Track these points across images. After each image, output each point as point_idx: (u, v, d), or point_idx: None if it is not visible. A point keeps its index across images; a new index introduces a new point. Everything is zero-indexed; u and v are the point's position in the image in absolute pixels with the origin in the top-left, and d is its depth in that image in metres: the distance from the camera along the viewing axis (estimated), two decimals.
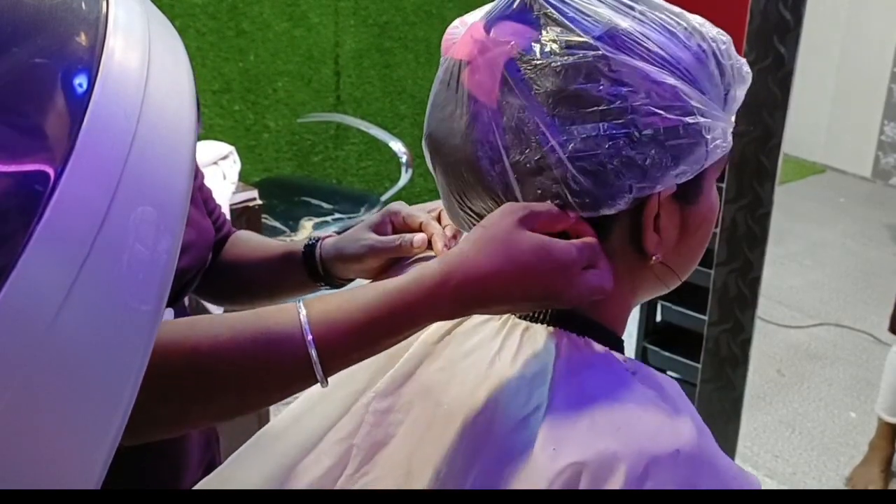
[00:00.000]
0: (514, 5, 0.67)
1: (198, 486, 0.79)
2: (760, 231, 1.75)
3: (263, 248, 1.07)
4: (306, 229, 2.76)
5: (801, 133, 4.62)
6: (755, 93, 1.65)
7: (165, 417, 0.65)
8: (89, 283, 0.36)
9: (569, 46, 0.63)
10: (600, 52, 0.63)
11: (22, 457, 0.35)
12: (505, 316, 0.71)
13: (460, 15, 0.76)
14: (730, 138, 0.68)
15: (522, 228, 0.64)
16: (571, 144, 0.63)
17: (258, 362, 0.63)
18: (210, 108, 3.34)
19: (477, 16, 0.69)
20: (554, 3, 0.65)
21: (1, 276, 0.34)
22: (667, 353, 2.72)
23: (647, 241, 0.68)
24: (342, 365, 0.64)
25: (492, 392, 0.67)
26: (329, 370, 0.63)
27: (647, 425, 0.63)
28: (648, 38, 0.64)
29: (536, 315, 0.70)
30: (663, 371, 2.75)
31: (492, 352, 0.69)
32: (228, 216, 1.84)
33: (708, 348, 1.88)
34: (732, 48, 0.69)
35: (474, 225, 0.67)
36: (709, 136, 0.65)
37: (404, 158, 3.10)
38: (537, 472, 0.61)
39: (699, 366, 1.90)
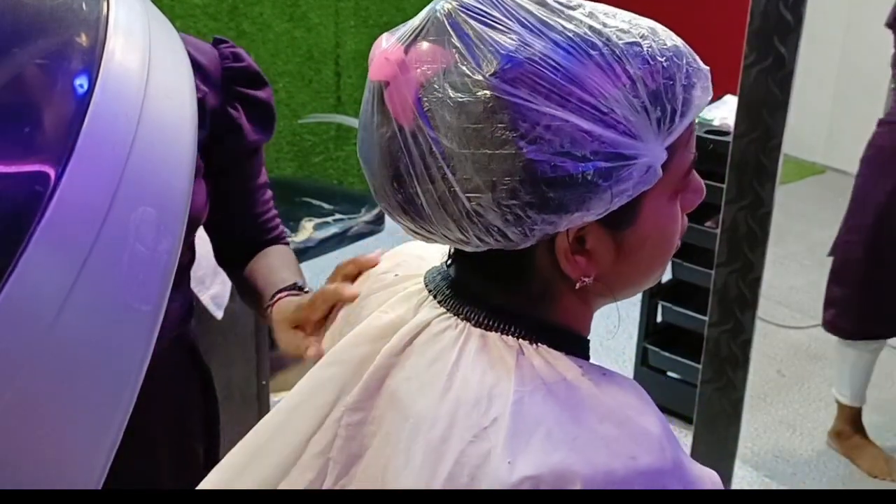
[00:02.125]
0: (427, 27, 0.64)
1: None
2: (761, 231, 1.75)
3: (257, 274, 1.16)
4: (307, 230, 2.76)
5: (801, 133, 4.62)
6: (755, 93, 1.65)
7: None
8: (90, 283, 0.36)
9: (466, 81, 0.61)
10: (489, 94, 0.60)
11: (22, 456, 0.34)
12: (462, 324, 0.70)
13: None
14: (658, 170, 0.63)
15: None
16: (468, 182, 0.62)
17: None
18: None
19: (400, 31, 0.67)
20: (460, 26, 0.62)
21: (2, 276, 0.34)
22: (667, 354, 2.71)
23: (567, 270, 0.66)
24: None
25: (452, 404, 0.66)
26: None
27: (603, 435, 0.62)
28: (557, 69, 0.60)
29: (491, 323, 0.69)
30: (663, 372, 2.75)
31: (451, 362, 0.68)
32: None
33: (708, 349, 1.87)
34: (682, 60, 0.64)
35: (412, 234, 0.70)
36: (609, 183, 0.61)
37: None
38: (495, 485, 0.61)
39: (700, 366, 1.90)
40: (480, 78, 0.60)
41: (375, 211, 2.91)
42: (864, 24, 4.80)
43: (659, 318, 2.79)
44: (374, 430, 0.71)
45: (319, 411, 0.73)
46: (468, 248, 0.68)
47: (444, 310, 0.72)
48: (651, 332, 2.78)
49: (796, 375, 3.09)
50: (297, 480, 0.72)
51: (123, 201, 0.38)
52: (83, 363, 0.36)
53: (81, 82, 0.39)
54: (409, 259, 0.83)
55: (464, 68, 0.61)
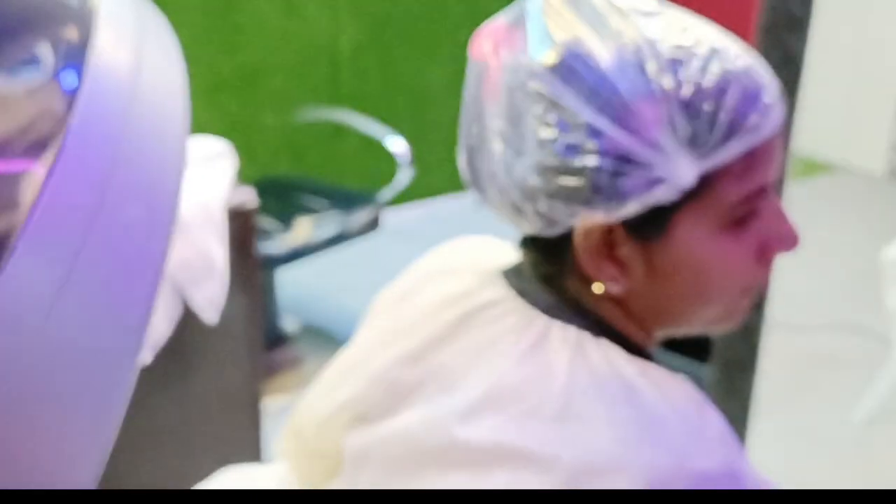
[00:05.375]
0: (517, 11, 0.68)
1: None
2: None
3: None
4: (302, 229, 2.76)
5: (810, 131, 4.59)
6: None
7: None
8: (79, 286, 0.35)
9: (523, 67, 0.66)
10: (534, 82, 0.65)
11: (14, 458, 0.34)
12: (524, 310, 0.71)
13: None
14: (674, 186, 0.64)
15: None
16: (508, 163, 0.67)
17: None
18: (203, 104, 3.33)
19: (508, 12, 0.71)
20: (531, 15, 0.66)
21: None
22: (673, 356, 2.69)
23: (588, 269, 0.68)
24: None
25: (497, 388, 0.67)
26: None
27: (653, 434, 0.63)
28: (594, 68, 0.63)
29: (553, 312, 0.70)
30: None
31: (507, 346, 0.69)
32: (224, 216, 1.82)
33: (715, 351, 1.85)
34: (739, 83, 0.64)
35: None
36: (612, 183, 0.64)
37: (403, 156, 3.05)
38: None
39: (706, 370, 1.88)
40: (536, 67, 0.65)
41: (372, 210, 2.90)
42: (876, 20, 4.77)
43: None
44: (415, 397, 0.71)
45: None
46: (521, 231, 0.72)
47: (510, 292, 0.72)
48: None
49: (806, 379, 3.05)
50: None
51: (113, 202, 0.37)
52: (73, 367, 0.35)
53: (68, 79, 0.38)
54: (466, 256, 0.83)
55: (524, 55, 0.66)
